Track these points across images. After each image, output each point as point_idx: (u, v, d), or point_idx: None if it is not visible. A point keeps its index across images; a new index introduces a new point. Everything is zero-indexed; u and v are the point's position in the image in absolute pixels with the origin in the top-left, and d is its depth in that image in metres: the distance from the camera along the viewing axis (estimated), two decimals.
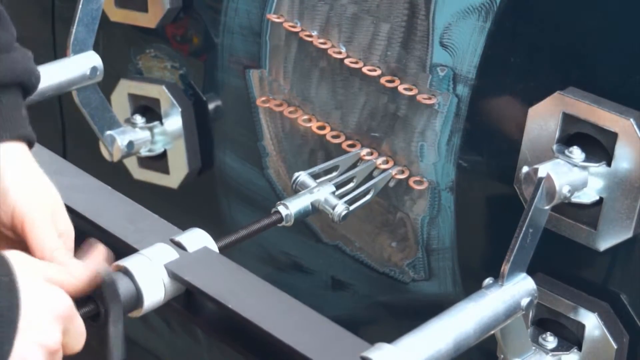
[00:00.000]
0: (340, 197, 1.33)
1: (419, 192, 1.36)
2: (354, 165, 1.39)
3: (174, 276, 1.05)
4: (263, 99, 1.50)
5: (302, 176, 1.34)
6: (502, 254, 1.12)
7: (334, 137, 1.42)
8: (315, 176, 1.35)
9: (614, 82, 1.15)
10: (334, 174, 1.37)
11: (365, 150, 1.39)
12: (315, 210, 1.32)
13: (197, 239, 1.10)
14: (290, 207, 1.29)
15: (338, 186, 1.34)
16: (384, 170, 1.37)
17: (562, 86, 1.16)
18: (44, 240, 1.03)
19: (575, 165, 1.13)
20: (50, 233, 1.04)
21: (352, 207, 1.32)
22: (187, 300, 1.08)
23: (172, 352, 1.84)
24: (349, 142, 1.41)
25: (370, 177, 1.38)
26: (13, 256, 0.94)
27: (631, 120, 1.10)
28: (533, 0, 1.22)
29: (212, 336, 1.08)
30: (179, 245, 1.09)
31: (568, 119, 1.15)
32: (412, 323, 1.06)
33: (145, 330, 1.82)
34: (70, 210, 1.15)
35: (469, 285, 1.33)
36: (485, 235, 1.34)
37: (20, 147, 1.09)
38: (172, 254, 1.07)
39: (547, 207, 1.12)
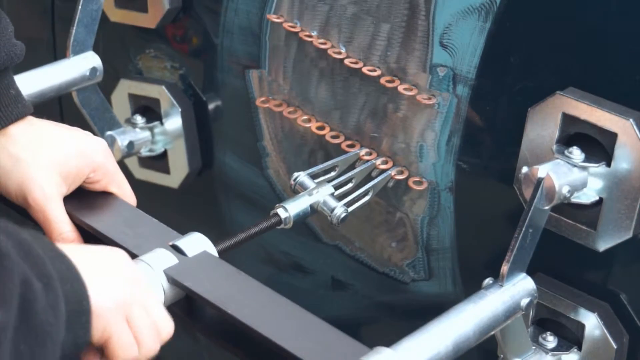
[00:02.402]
0: (339, 198, 1.33)
1: (418, 192, 1.35)
2: (353, 166, 1.39)
3: (173, 282, 1.05)
4: (262, 99, 1.49)
5: (302, 177, 1.34)
6: (502, 254, 1.12)
7: (333, 137, 1.42)
8: (314, 176, 1.35)
9: (613, 82, 1.15)
10: (333, 173, 1.37)
11: (364, 150, 1.39)
12: (314, 211, 1.32)
13: (197, 243, 1.10)
14: (290, 210, 1.29)
15: (337, 187, 1.34)
16: (383, 170, 1.37)
17: (562, 86, 1.16)
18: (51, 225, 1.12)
19: (575, 166, 1.13)
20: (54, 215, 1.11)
21: (350, 209, 1.32)
22: (187, 305, 1.08)
23: (172, 352, 1.83)
24: (349, 142, 1.41)
25: (369, 177, 1.38)
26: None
27: (631, 120, 1.10)
28: (533, 1, 1.22)
29: (212, 341, 1.08)
30: (178, 250, 1.08)
31: (568, 120, 1.15)
32: (412, 323, 1.06)
33: None
34: (69, 215, 1.15)
35: (469, 285, 1.33)
36: (485, 236, 1.34)
37: (20, 126, 1.14)
38: (172, 259, 1.07)
39: (546, 207, 1.12)
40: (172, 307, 1.06)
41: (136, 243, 1.09)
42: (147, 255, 1.06)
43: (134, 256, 1.06)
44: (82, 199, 1.17)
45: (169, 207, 1.28)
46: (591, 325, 1.20)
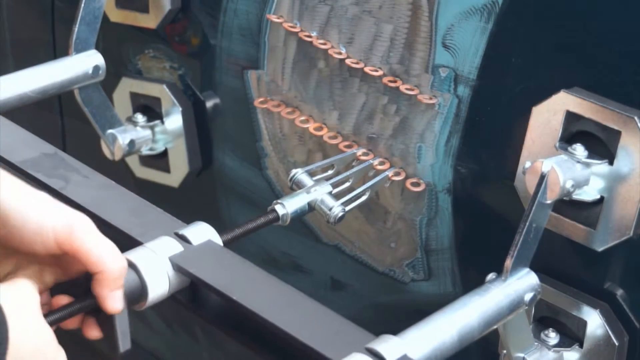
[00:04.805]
0: (337, 197, 1.33)
1: (416, 193, 1.35)
2: (350, 166, 1.39)
3: (178, 269, 1.04)
4: (261, 99, 1.50)
5: (299, 174, 1.34)
6: (502, 254, 1.12)
7: (331, 137, 1.42)
8: (312, 174, 1.35)
9: (615, 82, 1.16)
10: (330, 172, 1.37)
11: (361, 151, 1.39)
12: (311, 209, 1.32)
13: (202, 232, 1.10)
14: (287, 207, 1.29)
15: (334, 185, 1.34)
16: (381, 171, 1.37)
17: (563, 87, 1.17)
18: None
19: (578, 162, 1.14)
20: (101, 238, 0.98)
21: (348, 208, 1.32)
22: (191, 293, 1.08)
23: (172, 352, 1.83)
24: (346, 142, 1.41)
25: (367, 177, 1.38)
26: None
27: (635, 118, 1.10)
28: (535, 1, 1.23)
29: (217, 329, 1.08)
30: (183, 239, 1.08)
31: (571, 118, 1.15)
32: (412, 323, 1.06)
33: (145, 330, 1.82)
34: (76, 205, 1.14)
35: (469, 285, 1.32)
36: (484, 236, 1.34)
37: None
38: (177, 246, 1.06)
39: (550, 202, 1.12)
40: (177, 295, 1.06)
41: (141, 231, 1.09)
42: (152, 242, 1.05)
43: (139, 243, 1.06)
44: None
45: (169, 206, 1.28)
46: (593, 322, 1.20)
